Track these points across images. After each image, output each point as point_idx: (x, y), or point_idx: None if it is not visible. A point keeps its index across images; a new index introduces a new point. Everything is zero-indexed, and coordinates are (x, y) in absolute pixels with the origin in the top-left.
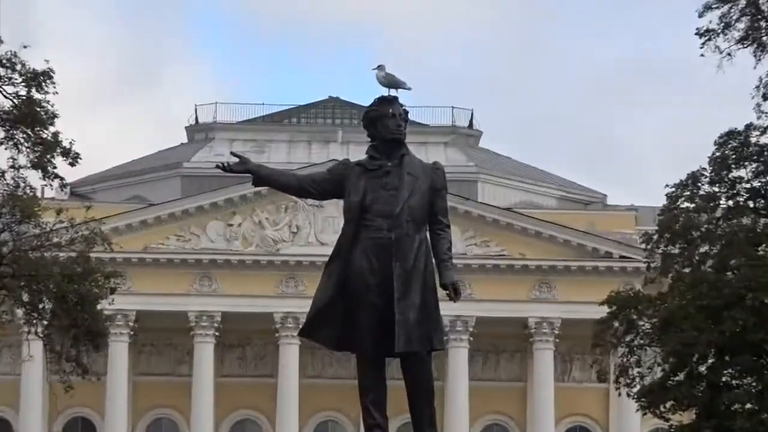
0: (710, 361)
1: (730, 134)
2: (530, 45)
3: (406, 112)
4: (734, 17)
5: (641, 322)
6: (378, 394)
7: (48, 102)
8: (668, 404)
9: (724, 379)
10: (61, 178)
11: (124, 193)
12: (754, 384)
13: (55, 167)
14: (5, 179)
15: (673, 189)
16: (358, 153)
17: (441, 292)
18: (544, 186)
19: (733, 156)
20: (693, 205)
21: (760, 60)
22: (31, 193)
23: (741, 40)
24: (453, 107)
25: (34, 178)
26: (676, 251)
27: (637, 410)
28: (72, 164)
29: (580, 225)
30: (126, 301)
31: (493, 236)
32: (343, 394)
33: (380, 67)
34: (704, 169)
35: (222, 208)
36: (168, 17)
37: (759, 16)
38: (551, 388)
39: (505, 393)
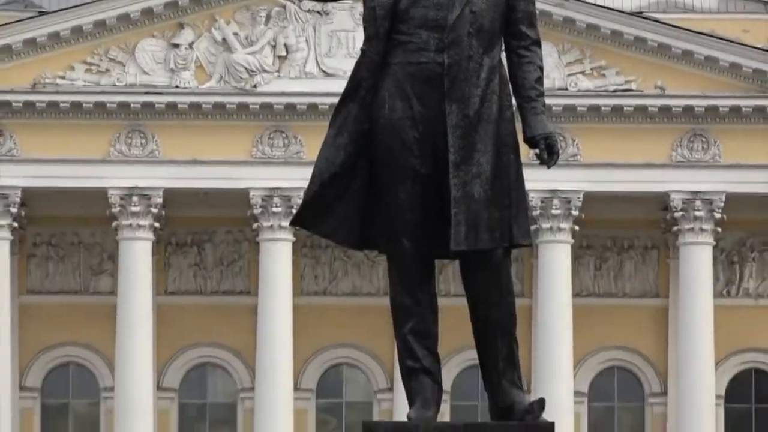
0: None
1: None
2: None
3: None
4: None
5: None
6: (423, 321)
7: None
8: None
9: None
10: None
11: None
12: None
13: None
14: None
15: None
16: None
17: (526, 151)
18: None
19: None
20: None
21: None
22: None
23: None
24: None
25: None
26: None
27: None
28: None
29: (758, 38)
30: (6, 172)
31: (614, 59)
32: (365, 322)
33: None
34: None
35: (161, 17)
36: None
37: None
38: (709, 307)
39: (632, 316)
